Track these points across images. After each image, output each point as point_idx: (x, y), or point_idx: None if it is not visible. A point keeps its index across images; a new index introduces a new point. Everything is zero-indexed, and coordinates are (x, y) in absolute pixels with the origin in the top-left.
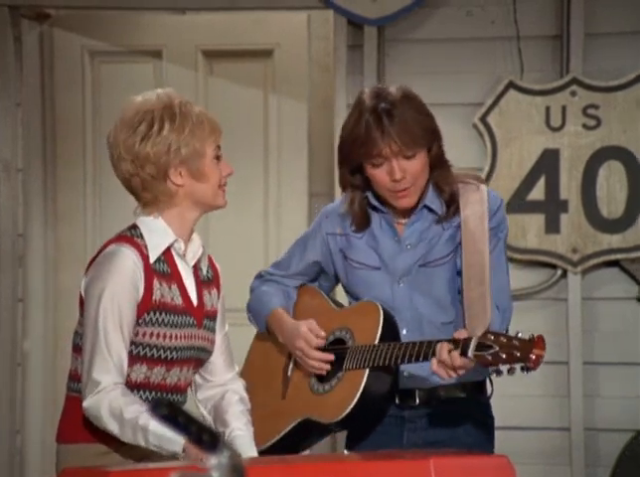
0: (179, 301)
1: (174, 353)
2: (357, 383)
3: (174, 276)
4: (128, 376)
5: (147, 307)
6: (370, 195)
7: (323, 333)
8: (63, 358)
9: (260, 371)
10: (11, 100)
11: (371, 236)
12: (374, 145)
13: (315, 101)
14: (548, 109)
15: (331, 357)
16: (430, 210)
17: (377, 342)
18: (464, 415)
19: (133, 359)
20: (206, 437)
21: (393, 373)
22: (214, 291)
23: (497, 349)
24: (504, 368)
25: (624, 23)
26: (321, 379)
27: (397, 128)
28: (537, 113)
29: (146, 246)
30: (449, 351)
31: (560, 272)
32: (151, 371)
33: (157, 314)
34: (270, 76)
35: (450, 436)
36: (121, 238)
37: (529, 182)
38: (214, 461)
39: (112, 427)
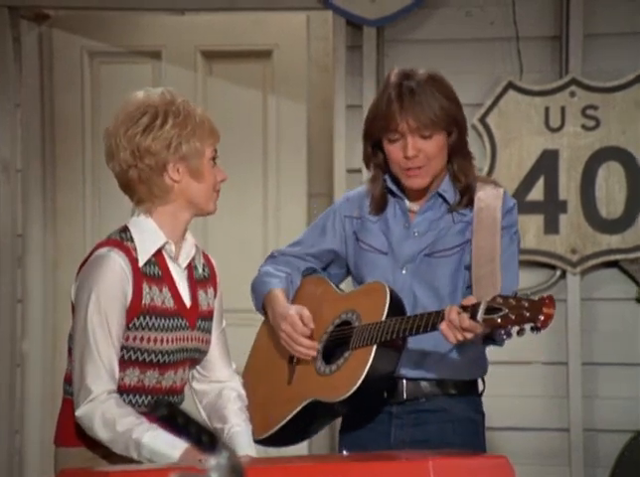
0: (170, 304)
1: (166, 356)
2: (364, 360)
3: (165, 279)
4: (122, 380)
5: (137, 311)
6: (388, 178)
7: (312, 324)
8: (62, 358)
9: (266, 359)
10: (10, 101)
11: (384, 221)
12: (392, 119)
13: (314, 102)
14: (547, 110)
15: (315, 344)
16: (444, 199)
17: (383, 319)
18: (452, 413)
19: (125, 363)
20: (205, 438)
21: (401, 349)
22: (210, 290)
23: (506, 311)
24: (514, 330)
25: (623, 24)
26: (328, 360)
27: (416, 106)
28: (536, 114)
29: (136, 250)
30: (458, 313)
31: (559, 273)
32: (144, 374)
33: (147, 318)
34: (269, 76)
35: (438, 435)
36: (110, 241)
37: (528, 182)
38: (213, 462)
39: (104, 438)
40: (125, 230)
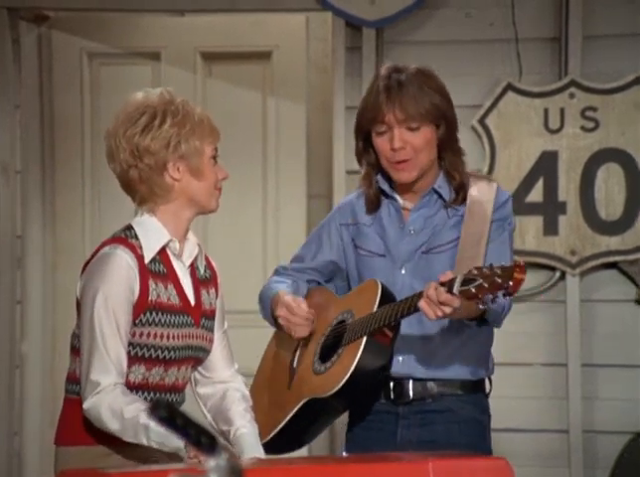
0: (176, 301)
1: (172, 352)
2: (355, 352)
3: (170, 276)
4: (127, 377)
5: (143, 307)
6: (380, 178)
7: (307, 306)
8: (61, 359)
9: (270, 370)
10: (10, 102)
11: (379, 223)
12: (379, 111)
13: (313, 103)
14: (546, 111)
15: (312, 316)
16: (439, 196)
17: (374, 310)
18: (459, 413)
19: (131, 360)
20: (204, 439)
21: (391, 337)
22: (212, 290)
23: (480, 281)
24: (488, 298)
25: (622, 25)
26: (323, 359)
27: (403, 97)
28: (535, 115)
29: (141, 247)
30: (435, 288)
31: (558, 274)
32: (149, 372)
33: (154, 314)
34: (269, 77)
35: (444, 435)
36: (116, 239)
37: (527, 184)
38: (212, 463)
39: (113, 427)
40: (129, 228)
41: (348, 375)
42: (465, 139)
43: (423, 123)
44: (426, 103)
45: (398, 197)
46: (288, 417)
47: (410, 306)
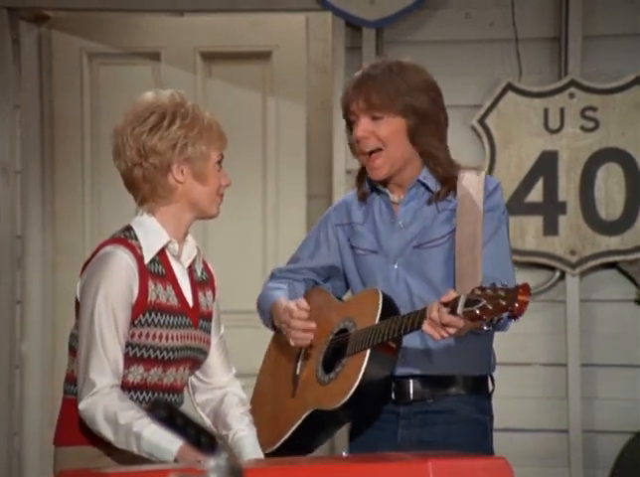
0: (174, 302)
1: (170, 353)
2: (359, 365)
3: (169, 277)
4: (125, 377)
5: (142, 308)
6: None
7: (307, 306)
8: (61, 359)
9: (272, 378)
10: (9, 102)
11: (371, 221)
12: (347, 100)
13: (313, 103)
14: (546, 111)
15: (313, 325)
16: (426, 188)
17: (377, 322)
18: (459, 414)
19: (130, 360)
20: (204, 439)
21: (395, 350)
22: (209, 293)
23: (484, 302)
24: (492, 319)
25: (622, 25)
26: (327, 369)
27: (369, 87)
28: (535, 115)
29: (140, 247)
30: (438, 310)
31: (558, 274)
32: (148, 372)
33: (152, 315)
34: (269, 77)
35: (444, 435)
36: (115, 239)
37: (527, 184)
38: (212, 463)
39: (106, 431)
40: (129, 228)
41: (354, 388)
42: (465, 139)
43: (387, 114)
44: (390, 94)
45: (387, 191)
46: (293, 428)
47: (414, 323)
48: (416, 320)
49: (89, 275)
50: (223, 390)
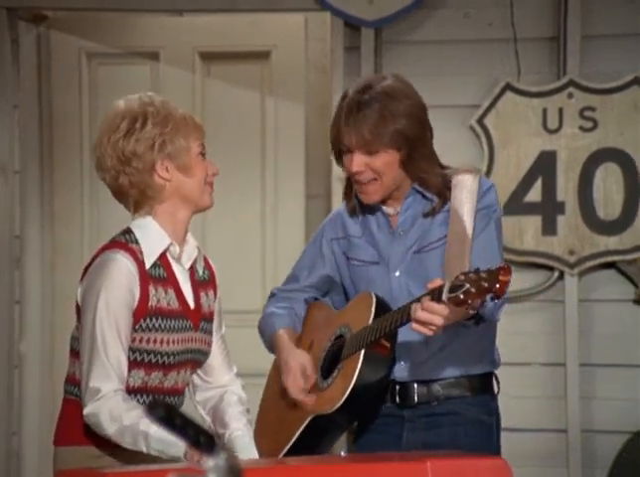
0: (175, 305)
1: (171, 357)
2: (354, 366)
3: (170, 280)
4: (126, 381)
5: (143, 313)
6: None
7: (313, 375)
8: (60, 359)
9: (276, 389)
10: (8, 102)
11: (369, 233)
12: (338, 134)
13: (312, 103)
14: (545, 111)
15: (313, 398)
16: (422, 195)
17: (369, 323)
18: (464, 416)
19: (131, 365)
20: (203, 439)
21: (389, 348)
22: (210, 292)
23: (467, 286)
24: (476, 303)
25: (621, 25)
26: (325, 375)
27: (360, 123)
28: (534, 115)
29: (141, 252)
30: (421, 305)
31: (556, 274)
32: (149, 376)
33: (154, 320)
34: (267, 77)
35: (450, 438)
36: (116, 244)
37: (526, 184)
38: (211, 463)
39: (113, 434)
40: (129, 231)
41: (349, 389)
42: (464, 139)
43: (380, 148)
44: (387, 130)
45: (382, 206)
46: (295, 436)
47: (403, 316)
48: (404, 314)
49: (90, 281)
50: (223, 388)
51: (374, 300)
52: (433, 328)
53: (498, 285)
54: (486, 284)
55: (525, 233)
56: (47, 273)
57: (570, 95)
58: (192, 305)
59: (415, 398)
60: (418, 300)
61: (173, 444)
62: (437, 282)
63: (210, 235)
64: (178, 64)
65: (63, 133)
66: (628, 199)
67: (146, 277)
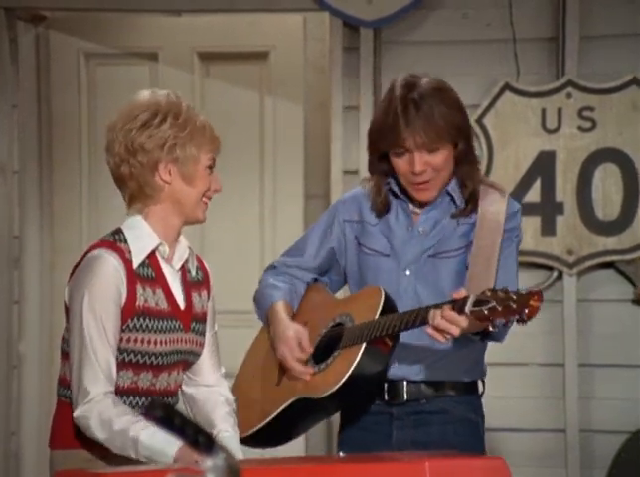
0: (164, 306)
1: (159, 358)
2: (352, 357)
3: (159, 281)
4: (116, 382)
5: (131, 313)
6: (392, 181)
7: (310, 348)
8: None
9: (260, 361)
10: (7, 102)
11: (385, 223)
12: (398, 136)
13: (311, 103)
14: (543, 111)
15: (310, 369)
16: (452, 199)
17: (376, 318)
18: (453, 414)
19: (119, 365)
20: (201, 439)
21: (390, 347)
22: (203, 293)
23: (494, 303)
24: (499, 322)
25: (620, 25)
26: (317, 360)
27: (422, 121)
28: (532, 115)
29: (130, 251)
30: (442, 317)
31: (555, 274)
32: (138, 376)
33: (141, 320)
34: (266, 77)
35: (438, 436)
36: (104, 243)
37: (525, 184)
38: (209, 463)
39: (102, 438)
40: (119, 231)
41: (344, 378)
42: None
43: (443, 144)
44: (445, 124)
45: (408, 201)
46: (277, 412)
47: (416, 320)
48: (419, 317)
49: (76, 281)
50: (209, 388)
51: (382, 297)
52: (448, 337)
53: (527, 310)
54: (514, 306)
55: (524, 233)
56: (46, 274)
57: (569, 96)
58: (182, 306)
59: (405, 396)
60: (438, 307)
61: (162, 452)
62: (462, 293)
63: (209, 234)
64: (177, 64)
65: (62, 133)
66: (627, 199)
67: (133, 277)
